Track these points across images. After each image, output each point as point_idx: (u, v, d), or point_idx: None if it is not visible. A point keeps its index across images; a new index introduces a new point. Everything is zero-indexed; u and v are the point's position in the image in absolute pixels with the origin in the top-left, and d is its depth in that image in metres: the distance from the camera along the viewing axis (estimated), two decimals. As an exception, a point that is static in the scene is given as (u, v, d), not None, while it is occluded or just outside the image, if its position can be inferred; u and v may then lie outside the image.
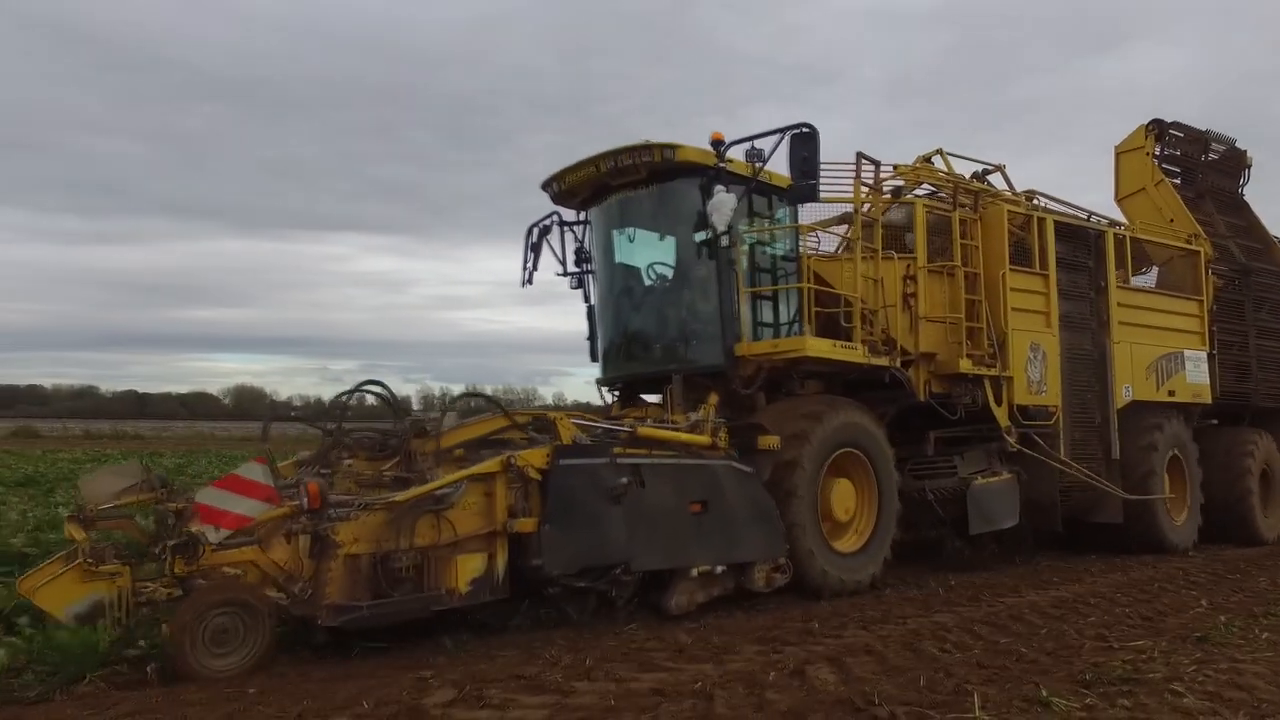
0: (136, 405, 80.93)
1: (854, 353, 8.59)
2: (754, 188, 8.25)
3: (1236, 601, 7.98)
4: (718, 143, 8.22)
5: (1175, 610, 7.47)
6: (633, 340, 9.04)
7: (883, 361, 8.95)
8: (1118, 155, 13.61)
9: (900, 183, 10.35)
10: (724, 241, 8.30)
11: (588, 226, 9.67)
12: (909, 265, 9.82)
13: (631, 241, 9.00)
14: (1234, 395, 12.58)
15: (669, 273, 8.84)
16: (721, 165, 8.19)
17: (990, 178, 12.11)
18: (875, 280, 9.18)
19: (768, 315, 9.18)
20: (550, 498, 6.14)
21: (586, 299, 9.79)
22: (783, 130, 7.87)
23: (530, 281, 9.88)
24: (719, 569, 7.05)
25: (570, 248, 9.80)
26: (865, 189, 9.10)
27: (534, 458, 6.19)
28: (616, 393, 9.63)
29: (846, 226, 10.65)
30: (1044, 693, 4.74)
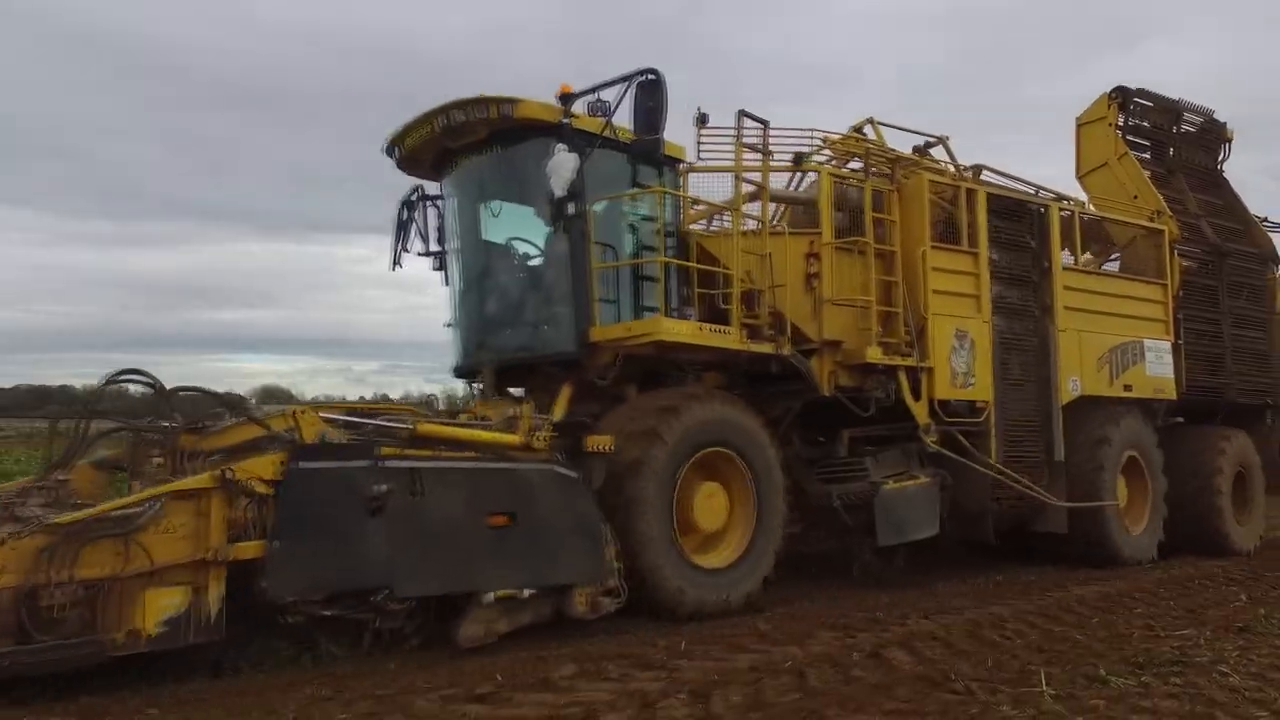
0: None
1: (724, 337, 7.45)
2: (600, 146, 7.09)
3: (1275, 596, 8.28)
4: (566, 97, 7.11)
5: (1216, 604, 7.85)
6: (484, 326, 7.93)
7: (765, 348, 7.79)
8: (1079, 127, 12.34)
9: (812, 151, 9.16)
10: (570, 210, 7.18)
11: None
12: (812, 242, 8.68)
13: (480, 214, 7.91)
14: (1204, 390, 11.29)
15: (519, 249, 7.74)
16: (567, 121, 7.06)
17: (934, 151, 10.94)
18: (763, 256, 8.03)
19: (650, 298, 8.07)
20: (282, 508, 5.06)
21: (447, 281, 8.69)
22: (627, 78, 6.74)
23: (399, 263, 8.80)
24: (527, 593, 5.92)
25: (434, 224, 8.73)
26: (749, 153, 7.95)
27: (260, 468, 5.10)
28: (479, 385, 8.51)
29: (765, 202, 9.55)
30: (1102, 672, 5.32)
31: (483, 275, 7.88)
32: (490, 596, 5.74)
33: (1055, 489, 9.73)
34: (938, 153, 10.84)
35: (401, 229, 8.77)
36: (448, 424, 6.13)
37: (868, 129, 10.31)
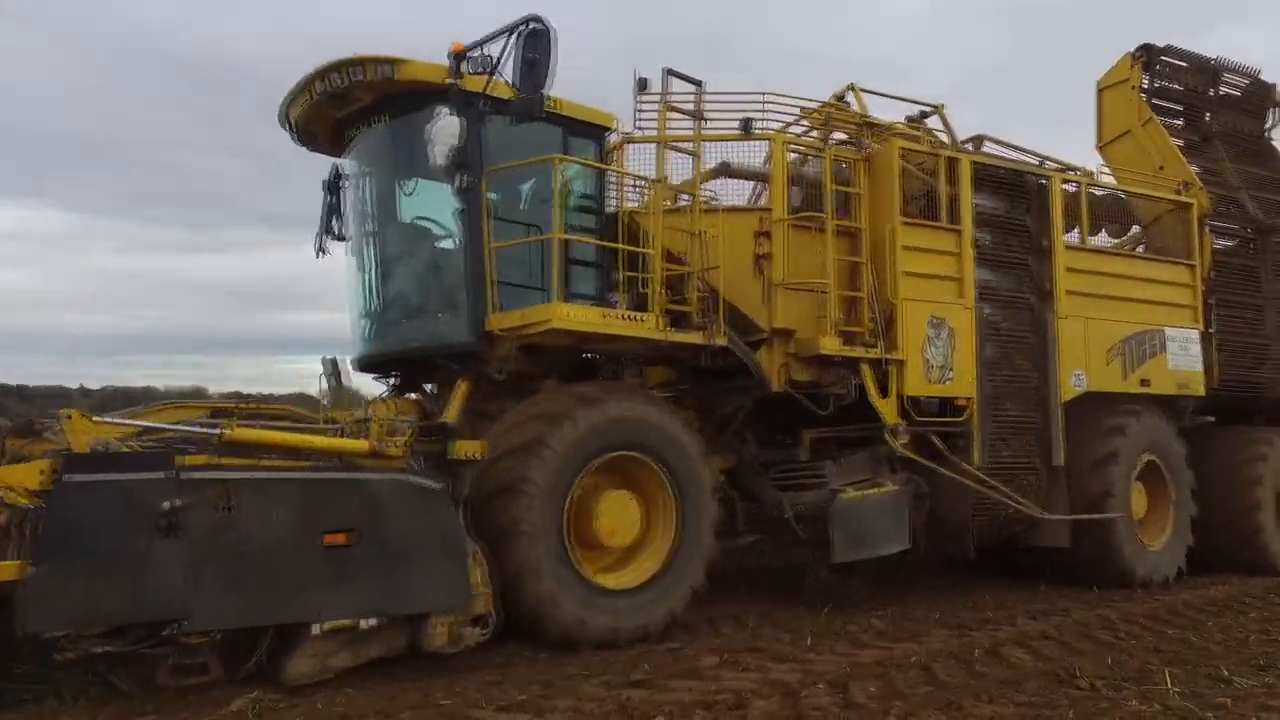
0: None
1: (635, 325, 6.52)
2: (485, 108, 6.22)
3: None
4: (458, 55, 6.28)
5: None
6: (379, 314, 7.14)
7: (691, 337, 6.86)
8: (1100, 92, 11.03)
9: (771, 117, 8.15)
10: (462, 183, 6.36)
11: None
12: (762, 219, 7.71)
13: (373, 191, 7.12)
14: (1241, 385, 9.94)
15: (415, 229, 6.94)
16: (455, 83, 6.23)
17: (929, 121, 9.83)
18: (694, 235, 7.10)
19: (584, 283, 7.23)
20: (48, 527, 4.34)
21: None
22: (510, 28, 5.88)
23: (324, 250, 8.08)
24: (369, 623, 5.13)
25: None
26: (675, 117, 7.03)
27: (22, 476, 4.40)
28: (393, 380, 7.74)
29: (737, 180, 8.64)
30: (1225, 672, 5.44)
31: (379, 259, 7.09)
32: (319, 629, 4.96)
33: (1054, 498, 8.57)
34: (935, 124, 9.87)
35: (329, 212, 8.05)
36: (273, 428, 5.35)
37: (849, 96, 9.28)
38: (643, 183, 7.27)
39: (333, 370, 6.47)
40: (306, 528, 4.94)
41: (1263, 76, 11.39)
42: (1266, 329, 10.20)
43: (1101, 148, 10.99)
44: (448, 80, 6.21)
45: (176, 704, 4.67)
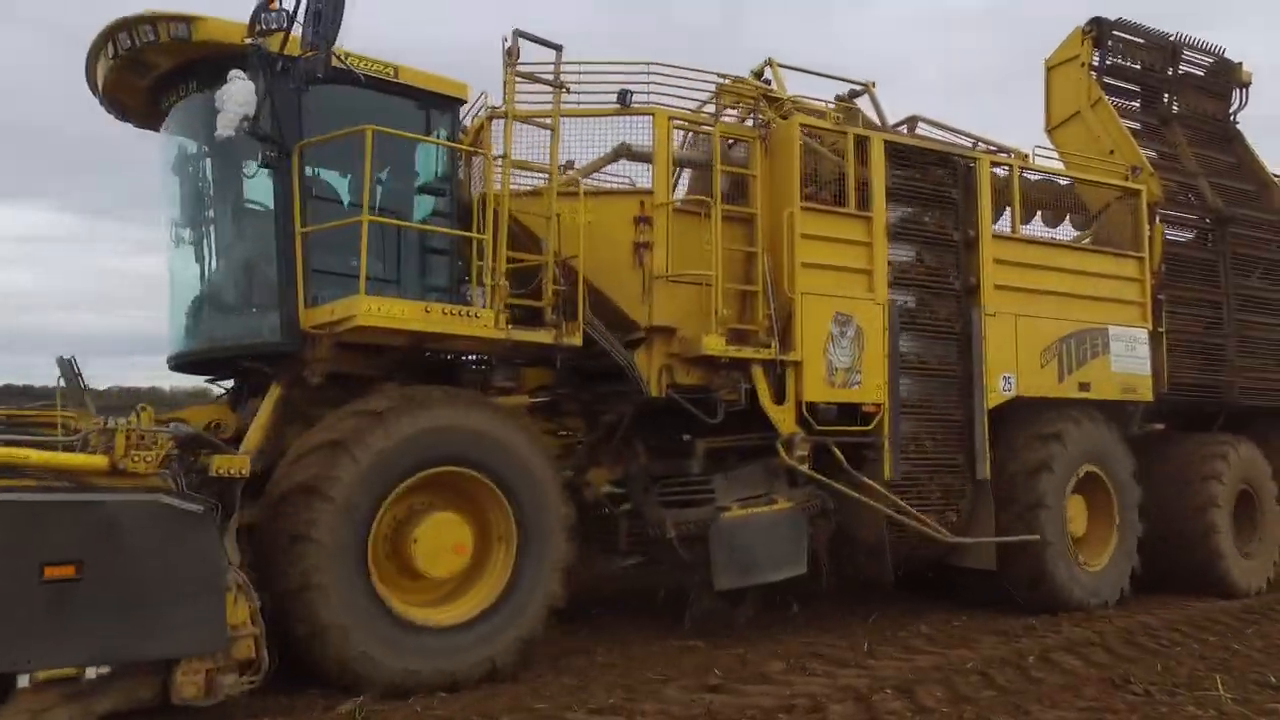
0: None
1: (464, 322, 5.70)
2: (283, 69, 5.39)
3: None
4: (263, 10, 5.47)
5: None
6: (193, 307, 6.32)
7: (537, 336, 6.04)
8: (1048, 71, 10.21)
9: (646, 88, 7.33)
10: (265, 158, 5.55)
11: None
12: (642, 203, 6.90)
13: (185, 169, 6.31)
14: (1196, 389, 9.08)
15: (227, 211, 6.12)
16: (256, 43, 5.43)
17: (859, 100, 9.02)
18: (549, 219, 6.29)
19: (439, 274, 6.44)
20: None
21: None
22: (303, -22, 5.07)
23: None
24: (96, 672, 4.33)
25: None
26: (524, 83, 6.23)
27: None
28: (229, 382, 6.92)
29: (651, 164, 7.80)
30: (1273, 679, 5.71)
31: (193, 246, 6.28)
32: (27, 680, 4.16)
33: (979, 515, 7.74)
34: (863, 102, 9.07)
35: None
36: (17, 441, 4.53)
37: (768, 73, 8.47)
38: (506, 163, 6.43)
39: (70, 372, 5.66)
40: (21, 559, 4.13)
41: (1227, 55, 10.58)
42: (1225, 328, 9.34)
43: (1050, 131, 10.16)
44: (245, 40, 5.40)
45: (282, 707, 4.83)
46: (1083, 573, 8.01)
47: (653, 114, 6.99)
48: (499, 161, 6.35)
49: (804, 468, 6.80)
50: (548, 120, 6.41)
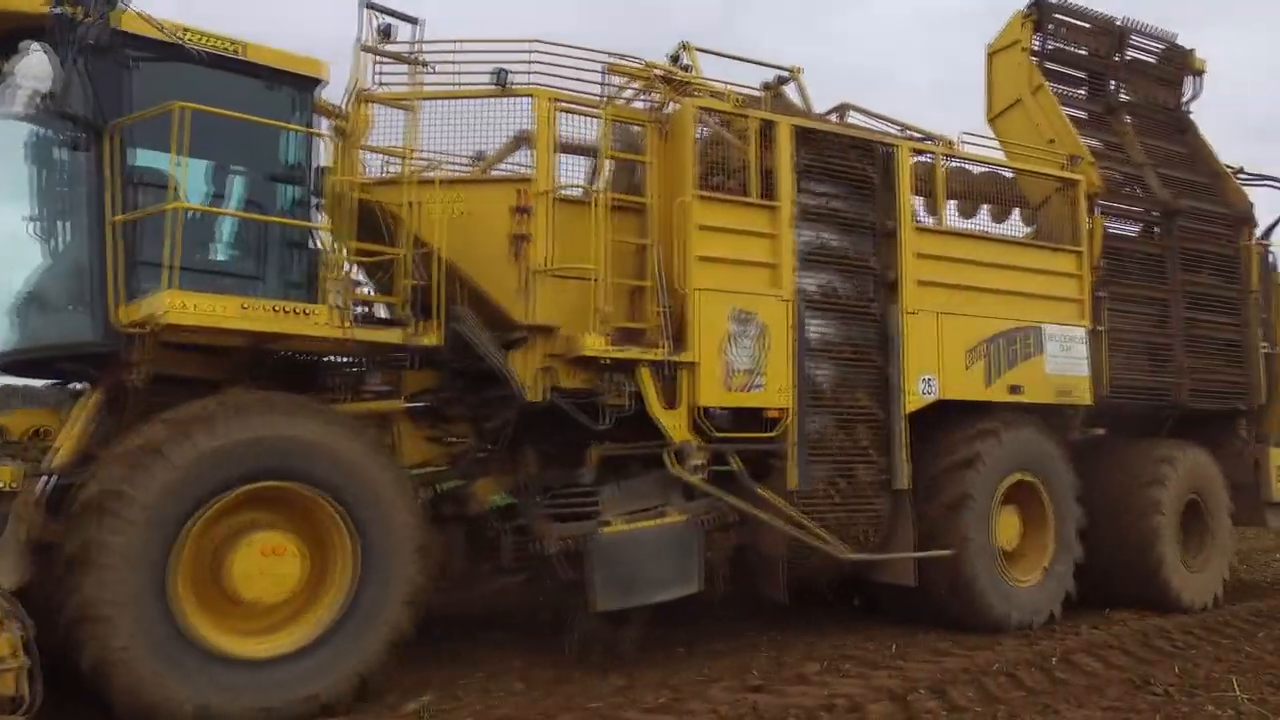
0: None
1: (291, 320, 5.16)
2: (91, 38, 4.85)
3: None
4: (68, -24, 4.93)
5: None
6: (13, 303, 5.75)
7: (383, 336, 5.52)
8: (990, 57, 9.69)
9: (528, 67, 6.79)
10: (72, 139, 5.02)
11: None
12: (520, 191, 6.37)
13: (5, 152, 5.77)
14: (1139, 392, 8.55)
15: (44, 198, 5.57)
16: (61, 11, 4.89)
17: (787, 89, 8.52)
18: (406, 206, 5.76)
19: (295, 270, 5.89)
20: None
21: None
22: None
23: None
24: None
25: None
26: (379, 59, 5.70)
27: None
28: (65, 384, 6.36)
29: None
30: None
31: (14, 236, 5.73)
32: None
33: (898, 527, 7.21)
34: (790, 90, 8.56)
35: None
36: None
37: (683, 57, 7.95)
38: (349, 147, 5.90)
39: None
40: None
41: (1179, 41, 10.07)
42: (1172, 327, 8.82)
43: (991, 120, 9.64)
44: (46, 7, 4.87)
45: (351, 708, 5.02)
46: (1010, 588, 7.48)
47: (534, 95, 6.46)
48: (364, 146, 5.85)
49: (696, 479, 6.26)
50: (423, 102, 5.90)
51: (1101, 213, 8.54)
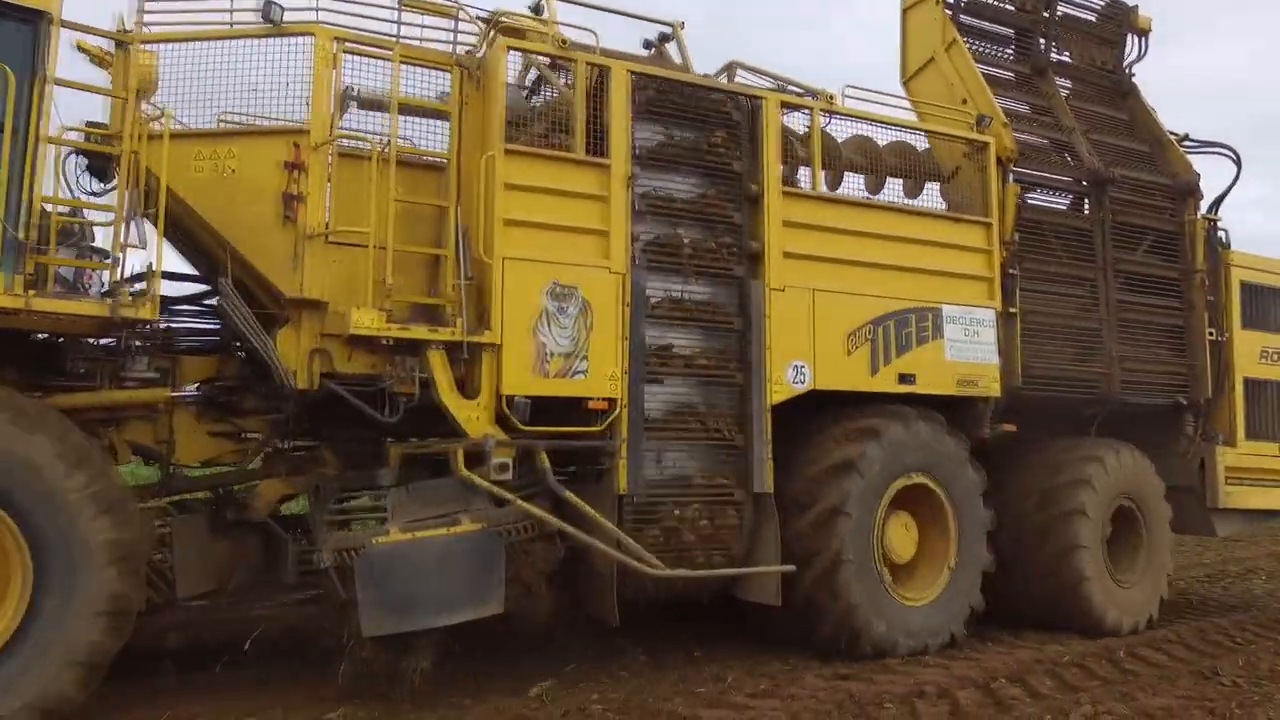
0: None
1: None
2: None
3: None
4: None
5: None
6: None
7: (73, 307, 4.63)
8: (904, 14, 8.70)
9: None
10: None
11: None
12: (295, 144, 5.44)
13: None
14: (1059, 383, 7.51)
15: None
16: None
17: (669, 46, 7.57)
18: (127, 158, 4.83)
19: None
20: None
21: None
22: None
23: None
24: None
25: None
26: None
27: None
28: None
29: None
30: None
31: None
32: None
33: (762, 538, 6.22)
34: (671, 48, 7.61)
35: None
36: None
37: (543, 4, 7.01)
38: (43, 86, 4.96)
39: None
40: None
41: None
42: (1101, 309, 7.80)
43: (906, 82, 8.65)
44: None
45: (468, 691, 5.29)
46: (898, 607, 6.47)
47: (312, 34, 5.54)
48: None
49: (483, 480, 5.31)
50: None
51: (1017, 181, 7.53)
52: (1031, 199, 7.75)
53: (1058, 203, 8.14)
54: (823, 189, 6.73)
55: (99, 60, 5.66)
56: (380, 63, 5.62)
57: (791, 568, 6.00)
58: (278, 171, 5.41)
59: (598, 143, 5.90)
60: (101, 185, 5.82)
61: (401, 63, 5.59)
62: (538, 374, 5.57)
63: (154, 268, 4.85)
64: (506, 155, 5.59)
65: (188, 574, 5.67)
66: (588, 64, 5.94)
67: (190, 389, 5.83)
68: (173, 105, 5.47)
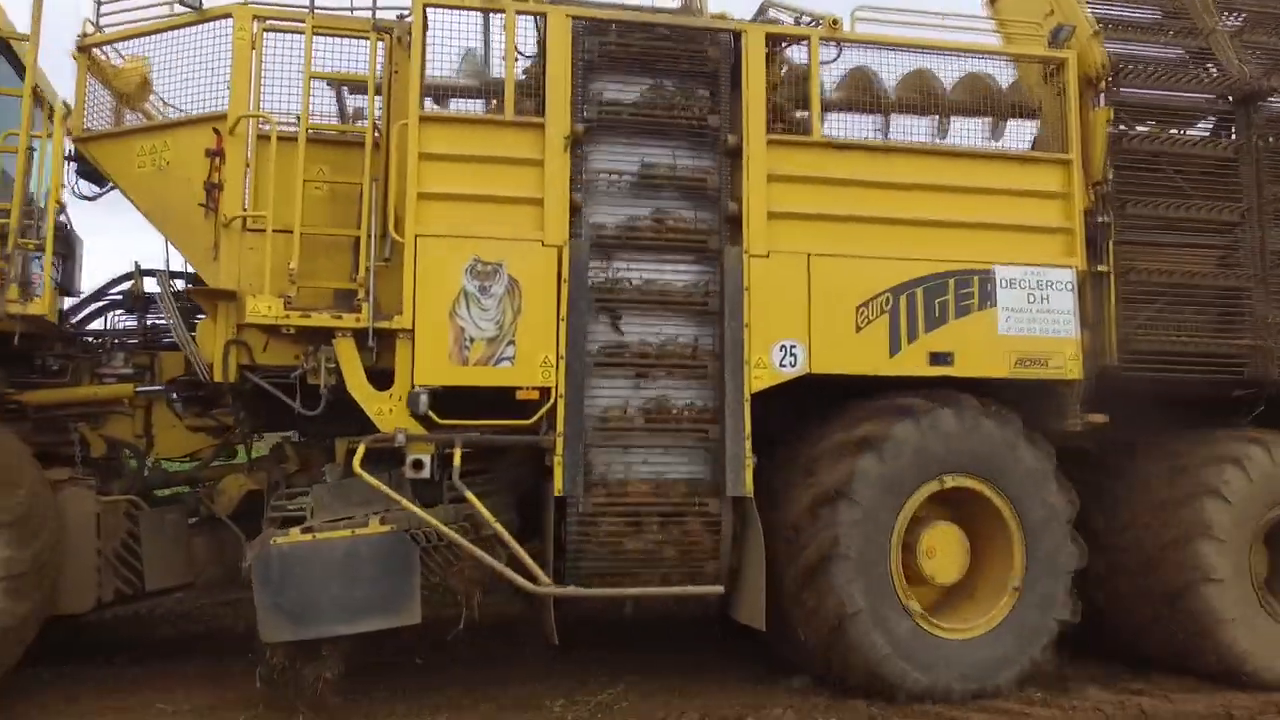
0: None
1: None
2: None
3: None
4: None
5: None
6: None
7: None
8: (992, -84, 7.19)
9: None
10: None
11: None
12: (217, 130, 5.31)
13: None
14: (1185, 361, 5.79)
15: None
16: None
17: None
18: (23, 155, 4.88)
19: None
20: None
21: None
22: None
23: None
24: None
25: None
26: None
27: None
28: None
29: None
30: None
31: None
32: None
33: (745, 547, 5.29)
34: None
35: None
36: None
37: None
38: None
39: None
40: None
41: None
42: (1248, 263, 5.95)
43: (991, 1, 7.15)
44: None
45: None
46: (929, 639, 5.25)
47: (232, 15, 5.35)
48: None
49: (372, 479, 4.86)
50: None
51: (1114, 105, 5.92)
52: (1143, 127, 6.08)
53: (1200, 130, 6.35)
54: (825, 134, 5.60)
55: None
56: (298, 36, 5.33)
57: (718, 589, 5.02)
58: (202, 160, 5.29)
59: (534, 99, 5.26)
60: (95, 189, 6.12)
61: (315, 33, 5.28)
62: (456, 361, 5.03)
63: (44, 267, 4.85)
64: (423, 123, 5.10)
65: (156, 567, 5.73)
66: (516, 11, 5.30)
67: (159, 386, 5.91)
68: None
